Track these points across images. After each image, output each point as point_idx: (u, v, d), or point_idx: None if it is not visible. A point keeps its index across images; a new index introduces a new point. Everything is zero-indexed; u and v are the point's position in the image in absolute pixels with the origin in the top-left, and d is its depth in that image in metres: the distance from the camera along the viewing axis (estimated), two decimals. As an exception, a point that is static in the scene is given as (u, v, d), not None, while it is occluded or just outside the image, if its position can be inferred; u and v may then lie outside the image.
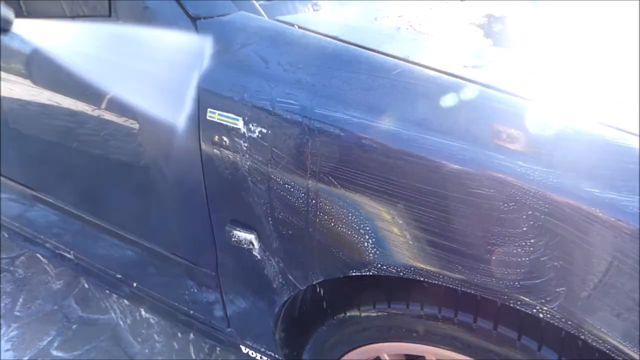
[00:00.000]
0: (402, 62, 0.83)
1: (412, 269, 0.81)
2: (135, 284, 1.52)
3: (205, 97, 0.94)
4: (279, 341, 1.19)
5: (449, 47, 0.91)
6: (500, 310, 0.84)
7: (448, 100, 0.77)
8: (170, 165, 1.06)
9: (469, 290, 0.79)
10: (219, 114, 0.93)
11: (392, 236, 0.81)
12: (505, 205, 0.70)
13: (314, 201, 0.88)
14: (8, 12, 0.76)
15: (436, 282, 0.81)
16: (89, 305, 1.95)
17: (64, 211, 1.49)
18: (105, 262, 1.54)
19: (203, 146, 0.96)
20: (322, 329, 1.07)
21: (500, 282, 0.75)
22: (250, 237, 0.99)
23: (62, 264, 1.73)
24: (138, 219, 1.30)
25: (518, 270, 0.73)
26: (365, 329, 0.99)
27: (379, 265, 0.85)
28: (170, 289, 1.40)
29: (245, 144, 0.91)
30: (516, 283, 0.74)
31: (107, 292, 1.93)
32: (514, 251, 0.72)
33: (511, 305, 0.77)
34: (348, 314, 1.00)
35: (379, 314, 0.95)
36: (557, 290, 0.71)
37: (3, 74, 1.28)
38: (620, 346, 0.70)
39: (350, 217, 0.84)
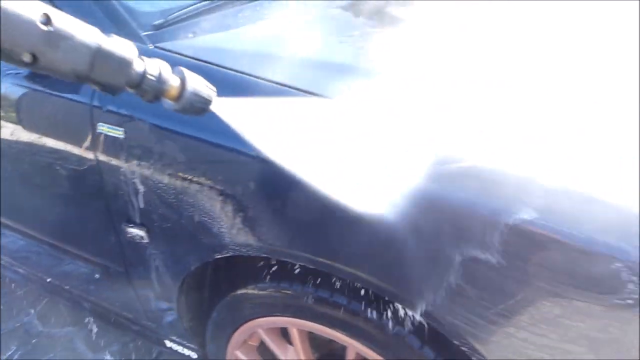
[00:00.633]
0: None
1: (250, 247, 0.97)
2: (85, 296, 1.67)
3: (97, 113, 1.11)
4: (189, 331, 1.32)
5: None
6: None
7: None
8: (80, 178, 1.22)
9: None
10: (107, 127, 1.10)
11: (229, 221, 0.97)
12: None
13: (181, 196, 1.04)
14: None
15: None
16: (49, 320, 2.09)
17: (27, 235, 1.65)
18: (60, 278, 1.69)
19: (98, 155, 1.13)
20: (215, 312, 1.21)
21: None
22: (141, 233, 1.14)
23: (26, 285, 1.89)
24: (72, 232, 1.46)
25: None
26: (240, 308, 1.13)
27: (232, 247, 1.01)
28: (106, 295, 1.55)
29: (124, 153, 1.08)
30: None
31: (67, 306, 2.07)
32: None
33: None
34: (234, 293, 1.14)
35: (251, 292, 1.10)
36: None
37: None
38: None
39: (201, 208, 1.00)
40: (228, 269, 1.17)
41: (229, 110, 0.74)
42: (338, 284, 0.97)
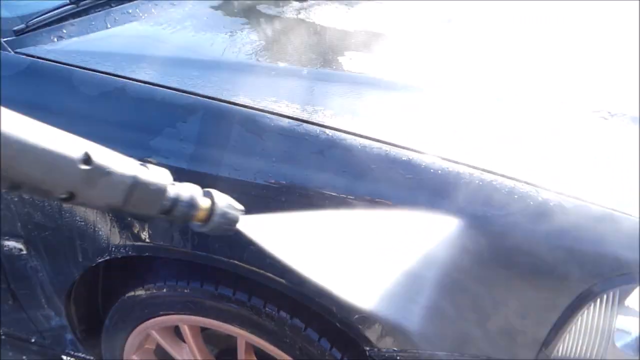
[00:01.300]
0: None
1: (125, 247, 0.97)
2: None
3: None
4: (84, 342, 1.29)
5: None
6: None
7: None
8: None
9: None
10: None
11: (105, 223, 0.97)
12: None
13: (55, 203, 1.02)
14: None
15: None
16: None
17: None
18: None
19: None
20: (106, 321, 1.19)
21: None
22: (19, 245, 1.10)
23: None
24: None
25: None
26: (130, 311, 1.12)
27: (110, 250, 1.00)
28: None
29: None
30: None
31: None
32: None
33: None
34: (124, 297, 1.13)
35: (138, 293, 1.09)
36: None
37: None
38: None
39: (76, 213, 0.99)
40: (114, 273, 1.16)
41: (255, 228, 0.73)
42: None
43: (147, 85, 0.98)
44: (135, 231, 0.98)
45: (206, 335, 1.19)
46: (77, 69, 1.03)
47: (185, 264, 1.03)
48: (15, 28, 1.13)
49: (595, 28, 1.38)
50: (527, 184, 0.81)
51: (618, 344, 0.83)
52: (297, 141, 0.88)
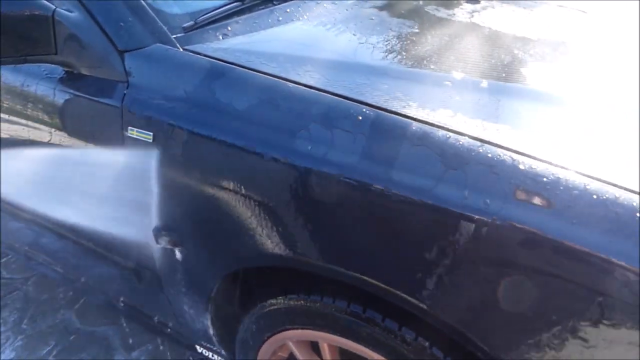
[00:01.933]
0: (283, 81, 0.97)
1: (280, 258, 0.93)
2: (120, 297, 1.67)
3: (127, 116, 1.09)
4: (216, 338, 1.30)
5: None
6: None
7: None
8: (112, 180, 1.21)
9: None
10: (136, 131, 1.08)
11: (262, 230, 0.93)
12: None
13: (212, 203, 1.01)
14: None
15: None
16: (87, 318, 2.12)
17: (62, 236, 1.67)
18: (96, 279, 1.71)
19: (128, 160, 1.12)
20: (243, 323, 1.18)
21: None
22: (173, 239, 1.12)
23: (65, 284, 1.91)
24: (106, 237, 1.45)
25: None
26: (269, 319, 1.09)
27: (263, 258, 0.97)
28: (140, 298, 1.55)
29: (158, 157, 1.06)
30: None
31: (103, 306, 2.10)
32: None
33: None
34: (258, 306, 1.11)
35: (280, 303, 1.06)
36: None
37: None
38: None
39: (233, 216, 0.97)
40: (258, 278, 1.14)
41: None
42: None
43: (312, 90, 0.93)
44: (293, 242, 0.94)
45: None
46: (243, 69, 1.01)
47: (333, 281, 0.98)
48: (185, 25, 1.15)
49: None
50: None
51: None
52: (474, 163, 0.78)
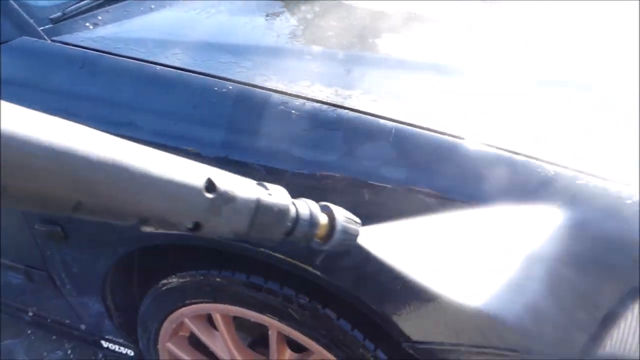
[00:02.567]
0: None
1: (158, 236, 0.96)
2: (22, 307, 1.62)
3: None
4: (120, 328, 1.31)
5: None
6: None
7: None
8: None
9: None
10: None
11: None
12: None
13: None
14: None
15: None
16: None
17: None
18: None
19: None
20: (141, 308, 1.20)
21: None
22: (57, 230, 1.12)
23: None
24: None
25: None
26: (164, 299, 1.12)
27: (147, 238, 1.00)
28: (40, 303, 1.51)
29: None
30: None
31: (6, 318, 2.02)
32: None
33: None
34: (160, 283, 1.13)
35: (171, 281, 1.09)
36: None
37: None
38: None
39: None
40: (151, 262, 1.16)
41: (376, 241, 0.70)
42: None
43: (179, 71, 0.97)
44: None
45: (238, 324, 1.18)
46: (114, 56, 1.02)
47: (217, 253, 1.02)
48: (52, 16, 1.14)
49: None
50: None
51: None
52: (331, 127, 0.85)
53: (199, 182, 0.51)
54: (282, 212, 0.58)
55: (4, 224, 1.25)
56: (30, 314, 1.60)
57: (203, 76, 0.94)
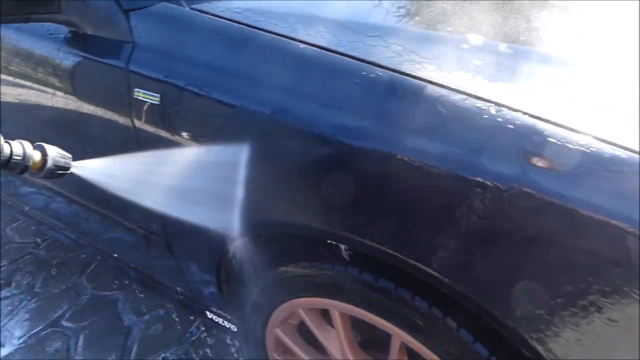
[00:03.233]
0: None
1: (299, 227, 0.91)
2: (130, 263, 1.67)
3: (134, 78, 1.06)
4: (229, 304, 1.29)
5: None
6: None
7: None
8: (117, 142, 1.19)
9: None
10: (142, 92, 1.05)
11: (280, 198, 0.91)
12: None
13: (223, 170, 0.98)
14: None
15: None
16: (98, 283, 2.14)
17: (73, 201, 1.66)
18: (106, 244, 1.71)
19: (135, 122, 1.09)
20: (256, 289, 1.17)
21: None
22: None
23: (77, 249, 1.92)
24: (114, 200, 1.43)
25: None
26: (281, 286, 1.08)
27: (281, 225, 0.95)
28: (150, 263, 1.54)
29: (166, 118, 1.03)
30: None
31: (114, 271, 2.11)
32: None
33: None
34: (276, 270, 1.09)
35: (298, 271, 1.04)
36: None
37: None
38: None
39: (248, 181, 0.95)
40: (271, 244, 1.12)
41: (87, 170, 0.98)
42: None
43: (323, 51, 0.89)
44: (311, 211, 0.91)
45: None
46: (250, 29, 0.96)
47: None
48: (192, -17, 1.10)
49: None
50: None
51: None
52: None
53: None
54: None
55: (128, 187, 1.26)
56: (137, 271, 1.65)
57: (351, 59, 0.86)
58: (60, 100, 1.24)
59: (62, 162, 0.88)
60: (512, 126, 0.71)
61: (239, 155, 0.93)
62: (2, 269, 2.29)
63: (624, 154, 0.65)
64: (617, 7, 1.10)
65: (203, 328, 1.87)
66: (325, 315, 1.10)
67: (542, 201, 0.66)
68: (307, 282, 1.02)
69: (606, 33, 1.03)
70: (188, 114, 0.99)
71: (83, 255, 2.28)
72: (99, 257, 1.87)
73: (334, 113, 0.82)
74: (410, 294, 0.88)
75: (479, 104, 0.75)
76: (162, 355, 1.78)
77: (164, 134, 1.04)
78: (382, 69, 0.83)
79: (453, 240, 0.75)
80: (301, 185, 0.89)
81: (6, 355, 1.85)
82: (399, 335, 0.92)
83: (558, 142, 0.67)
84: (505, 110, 0.73)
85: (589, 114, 0.73)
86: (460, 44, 0.91)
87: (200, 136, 0.99)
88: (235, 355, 1.75)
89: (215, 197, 1.03)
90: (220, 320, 1.43)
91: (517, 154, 0.69)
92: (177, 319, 1.92)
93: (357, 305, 0.98)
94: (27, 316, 2.01)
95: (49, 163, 0.85)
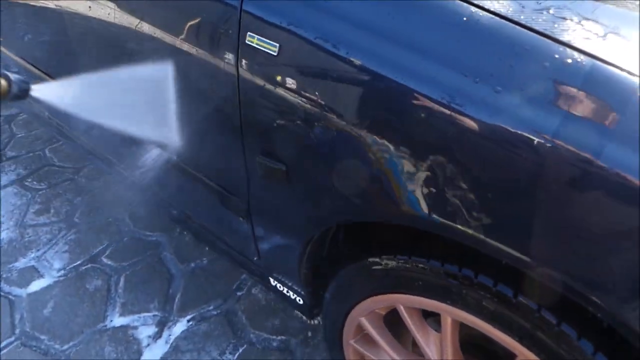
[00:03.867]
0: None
1: (431, 223, 0.77)
2: (181, 208, 1.56)
3: (247, 20, 0.90)
4: (303, 278, 1.19)
5: None
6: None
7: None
8: (209, 89, 1.05)
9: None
10: (257, 39, 0.89)
11: (395, 183, 0.77)
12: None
13: (341, 145, 0.84)
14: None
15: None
16: (141, 221, 2.04)
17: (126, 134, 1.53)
18: (158, 182, 1.58)
19: (240, 73, 0.94)
20: (344, 272, 1.06)
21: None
22: (280, 170, 0.97)
23: (119, 180, 1.80)
24: (179, 143, 1.30)
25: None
26: (379, 277, 0.96)
27: (388, 214, 0.82)
28: (208, 216, 1.43)
29: (282, 75, 0.88)
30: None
31: (156, 210, 2.01)
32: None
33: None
34: (370, 260, 0.98)
35: (400, 264, 0.92)
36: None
37: None
38: None
39: (361, 159, 0.81)
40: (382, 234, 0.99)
41: (47, 93, 1.11)
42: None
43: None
44: (432, 201, 0.77)
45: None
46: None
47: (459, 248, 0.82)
48: None
49: None
50: None
51: None
52: None
53: None
54: None
55: (218, 144, 1.13)
56: (185, 216, 1.54)
57: (538, 35, 0.69)
58: (154, 42, 1.08)
59: (24, 85, 1.02)
60: None
61: (369, 136, 0.79)
62: (40, 192, 2.20)
63: None
64: None
65: (249, 284, 1.78)
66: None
67: None
68: (420, 281, 0.90)
69: None
70: (314, 75, 0.84)
71: (125, 190, 2.18)
72: (145, 195, 1.76)
73: (513, 101, 0.66)
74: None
75: None
76: (206, 308, 1.71)
77: (275, 93, 0.89)
78: (579, 53, 0.67)
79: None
80: (443, 178, 0.75)
81: (45, 287, 1.78)
82: (522, 354, 0.81)
83: None
84: None
85: None
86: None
87: (325, 105, 0.83)
88: (285, 319, 1.67)
89: (323, 174, 0.90)
90: (285, 290, 1.33)
91: None
92: (222, 272, 1.83)
93: (475, 314, 0.86)
94: (66, 247, 1.94)
95: (14, 88, 0.99)
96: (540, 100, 0.66)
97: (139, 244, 1.95)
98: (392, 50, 0.76)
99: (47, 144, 2.48)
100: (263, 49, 0.89)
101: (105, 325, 1.66)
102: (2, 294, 1.77)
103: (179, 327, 1.65)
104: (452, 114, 0.70)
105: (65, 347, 1.60)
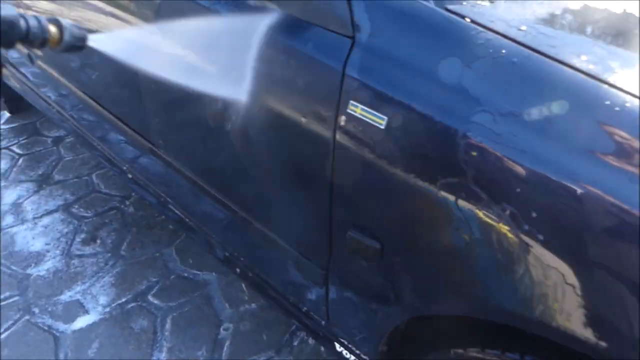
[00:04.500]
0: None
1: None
2: (234, 253, 1.48)
3: (351, 86, 0.83)
4: (380, 354, 1.10)
5: None
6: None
7: None
8: (300, 151, 0.98)
9: None
10: (361, 109, 0.82)
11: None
12: None
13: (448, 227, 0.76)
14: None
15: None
16: (188, 258, 1.98)
17: (177, 170, 1.48)
18: (209, 224, 1.52)
19: (338, 140, 0.86)
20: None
21: None
22: (374, 248, 0.89)
23: (166, 214, 1.74)
24: (252, 197, 1.23)
25: None
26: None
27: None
28: (271, 270, 1.35)
29: (388, 148, 0.80)
30: None
31: (204, 247, 1.94)
32: None
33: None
34: (453, 351, 0.89)
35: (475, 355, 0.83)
36: None
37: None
38: None
39: (492, 256, 0.72)
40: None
41: (106, 43, 0.96)
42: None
43: None
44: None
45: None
46: (545, 57, 0.71)
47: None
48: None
49: None
50: None
51: None
52: None
53: None
54: (11, 23, 0.78)
55: (301, 209, 1.05)
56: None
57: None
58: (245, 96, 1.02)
59: (79, 34, 0.89)
60: None
61: (491, 225, 0.71)
62: (87, 220, 2.16)
63: None
64: None
65: (302, 334, 1.70)
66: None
67: None
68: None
69: None
70: (423, 153, 0.76)
71: (171, 225, 2.12)
72: (189, 230, 1.69)
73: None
74: None
75: None
76: (257, 359, 1.62)
77: (379, 167, 0.81)
78: None
79: None
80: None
81: (90, 325, 1.72)
82: None
83: None
84: None
85: None
86: None
87: (438, 183, 0.75)
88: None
89: (430, 266, 0.82)
90: (351, 358, 1.24)
91: None
92: (273, 319, 1.75)
93: None
94: (112, 280, 1.88)
95: (66, 36, 0.87)
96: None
97: (187, 283, 1.88)
98: (524, 134, 0.68)
99: (95, 169, 2.45)
100: (368, 120, 0.81)
101: (152, 372, 1.59)
102: (46, 328, 1.71)
103: (229, 378, 1.57)
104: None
105: (111, 393, 1.53)
